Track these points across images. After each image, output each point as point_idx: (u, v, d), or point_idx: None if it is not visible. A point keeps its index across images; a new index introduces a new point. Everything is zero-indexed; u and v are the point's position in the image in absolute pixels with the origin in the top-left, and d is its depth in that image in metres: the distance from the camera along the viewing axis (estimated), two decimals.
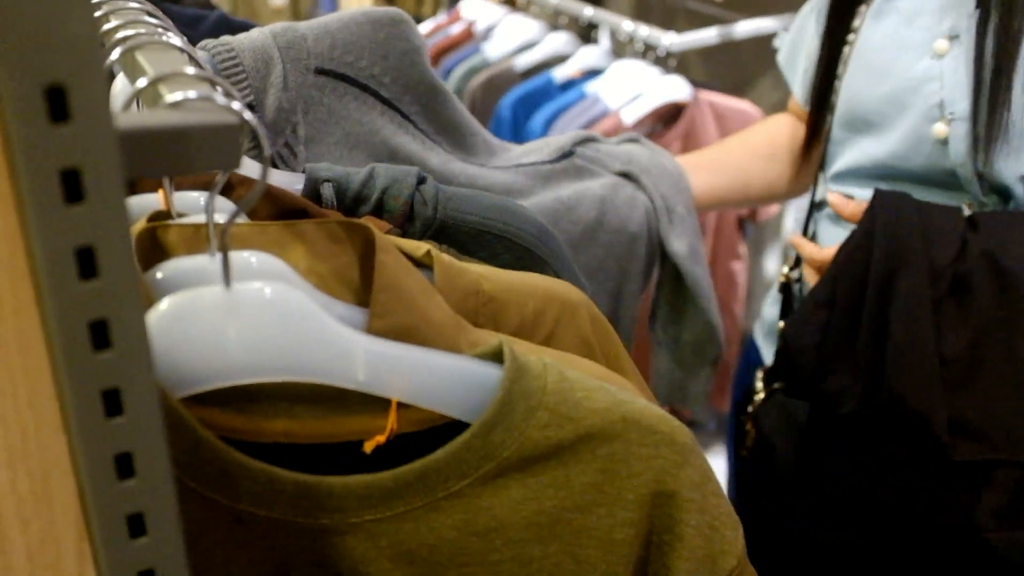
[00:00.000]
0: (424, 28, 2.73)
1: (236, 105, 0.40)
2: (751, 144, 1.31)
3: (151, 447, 0.39)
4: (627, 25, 2.18)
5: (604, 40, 2.30)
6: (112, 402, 0.38)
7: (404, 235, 0.70)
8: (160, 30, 0.51)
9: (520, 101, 2.19)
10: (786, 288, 1.22)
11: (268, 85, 0.79)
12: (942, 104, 1.01)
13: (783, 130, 1.31)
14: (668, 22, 2.73)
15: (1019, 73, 0.95)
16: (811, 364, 1.00)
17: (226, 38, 0.78)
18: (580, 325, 0.67)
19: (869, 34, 1.10)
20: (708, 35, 2.18)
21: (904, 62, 1.05)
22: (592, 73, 2.24)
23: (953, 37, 1.01)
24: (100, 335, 0.37)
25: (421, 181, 0.70)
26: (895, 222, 0.96)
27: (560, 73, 2.26)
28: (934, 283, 0.93)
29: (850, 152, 1.12)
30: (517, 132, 2.17)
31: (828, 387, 0.99)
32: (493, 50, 2.50)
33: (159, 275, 0.49)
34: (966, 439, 0.92)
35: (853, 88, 1.11)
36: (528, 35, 2.48)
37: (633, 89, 2.10)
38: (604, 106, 2.09)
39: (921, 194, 1.04)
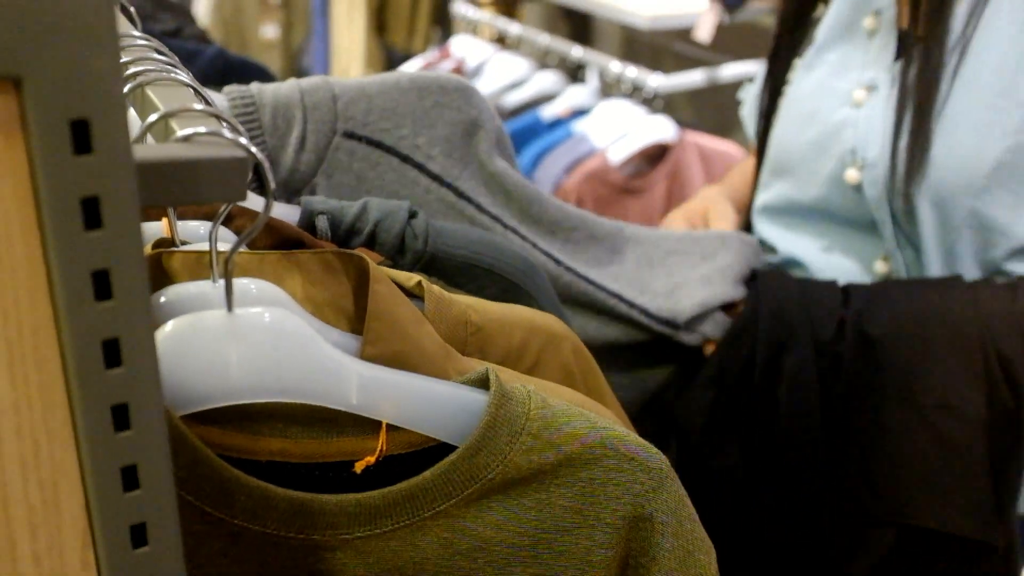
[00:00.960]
0: (414, 64, 2.77)
1: (243, 140, 0.42)
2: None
3: (155, 461, 0.42)
4: (615, 66, 2.22)
5: (592, 80, 2.35)
6: (120, 417, 0.41)
7: (395, 266, 0.72)
8: (168, 67, 0.54)
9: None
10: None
11: (286, 143, 0.77)
12: (854, 150, 1.05)
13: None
14: (655, 63, 2.78)
15: (937, 118, 0.99)
16: (699, 442, 1.00)
17: (255, 87, 0.76)
18: (563, 356, 0.70)
19: (799, 84, 1.15)
20: (694, 77, 2.23)
21: (826, 111, 1.09)
22: (580, 112, 2.28)
23: (871, 88, 1.06)
24: (112, 354, 0.39)
25: (412, 215, 0.73)
26: (778, 302, 0.97)
27: (548, 111, 2.30)
28: (819, 360, 0.95)
29: (775, 195, 1.16)
30: None
31: (716, 464, 0.99)
32: (482, 87, 2.53)
33: (163, 299, 0.51)
34: (846, 501, 0.95)
35: (780, 135, 1.16)
36: (517, 73, 2.52)
37: (620, 129, 2.14)
38: (591, 145, 2.13)
39: (847, 237, 1.08)
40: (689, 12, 2.16)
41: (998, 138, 0.96)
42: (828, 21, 1.15)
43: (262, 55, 4.80)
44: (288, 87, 0.78)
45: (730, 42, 2.43)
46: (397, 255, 0.73)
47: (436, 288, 0.64)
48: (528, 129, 2.25)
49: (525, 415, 0.56)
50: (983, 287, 0.96)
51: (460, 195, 0.82)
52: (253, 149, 0.42)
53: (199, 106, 0.46)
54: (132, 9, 0.74)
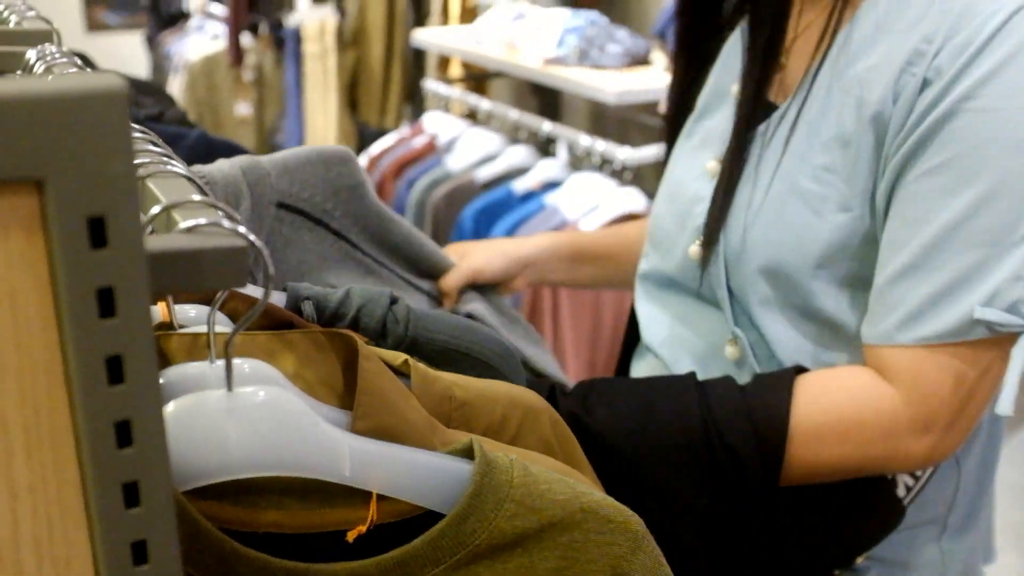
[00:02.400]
0: (388, 140, 2.83)
1: (242, 230, 0.45)
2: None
3: (164, 535, 0.44)
4: (584, 139, 2.28)
5: (562, 153, 2.40)
6: (131, 494, 0.43)
7: None
8: (164, 157, 0.57)
9: (481, 212, 2.27)
10: None
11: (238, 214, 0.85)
12: (698, 228, 1.00)
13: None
14: (623, 135, 2.85)
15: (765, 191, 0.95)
16: None
17: (200, 168, 0.85)
18: (541, 427, 0.73)
19: (675, 155, 1.12)
20: (662, 149, 2.28)
21: (688, 183, 1.06)
22: (551, 185, 2.33)
23: (720, 159, 1.00)
24: (124, 434, 0.42)
25: (393, 302, 0.77)
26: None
27: (520, 185, 2.35)
28: None
29: (648, 265, 1.13)
30: None
31: None
32: (455, 162, 2.59)
33: (163, 380, 0.54)
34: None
35: (655, 206, 1.13)
36: (489, 148, 2.58)
37: (591, 201, 2.19)
38: (563, 217, 2.18)
39: (700, 315, 1.04)
40: (654, 87, 2.23)
41: (826, 215, 0.90)
42: (707, 87, 1.10)
43: (236, 132, 4.86)
44: (228, 165, 0.86)
45: None
46: (379, 339, 0.77)
47: (421, 366, 0.67)
48: (501, 202, 2.30)
49: (508, 483, 0.58)
50: (712, 383, 0.89)
51: (355, 247, 0.98)
52: (252, 238, 0.45)
53: (198, 197, 0.49)
54: None
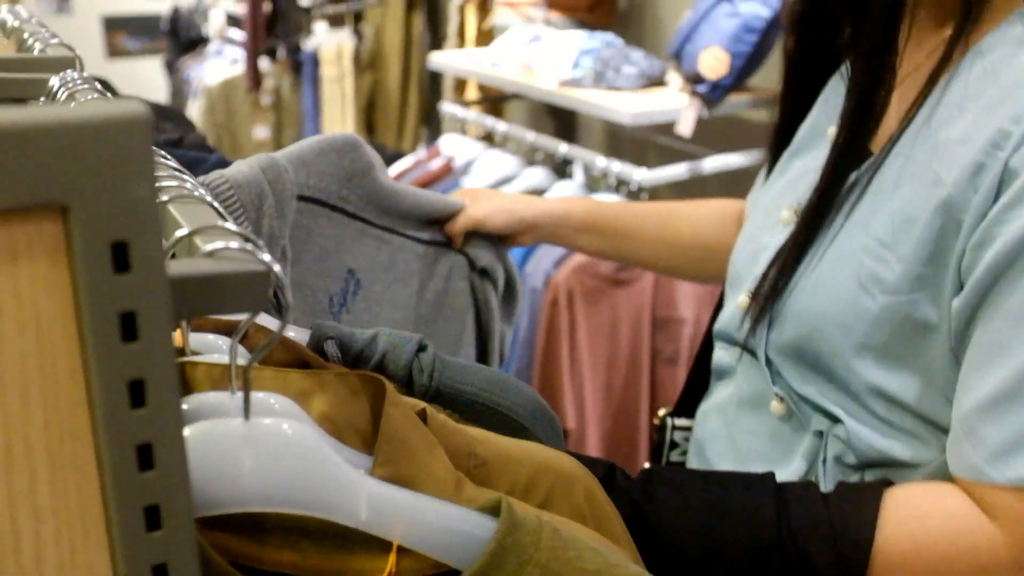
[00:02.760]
0: (405, 163, 2.84)
1: (264, 257, 0.46)
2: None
3: (184, 559, 0.44)
4: (600, 161, 2.28)
5: (579, 175, 2.40)
6: (152, 518, 0.43)
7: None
8: (185, 182, 0.57)
9: None
10: (661, 431, 1.17)
11: (262, 215, 0.88)
12: (755, 277, 0.96)
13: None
14: (639, 156, 2.85)
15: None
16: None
17: (221, 172, 0.87)
18: (574, 497, 0.68)
19: (763, 193, 1.08)
20: (677, 170, 2.28)
21: (765, 227, 1.01)
22: None
23: (797, 209, 0.96)
24: (145, 458, 0.42)
25: (421, 349, 0.75)
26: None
27: None
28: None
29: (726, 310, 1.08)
30: None
31: None
32: (472, 184, 2.59)
33: (184, 406, 0.54)
34: None
35: (736, 245, 1.09)
36: (506, 170, 2.58)
37: None
38: None
39: (748, 367, 1.00)
40: (670, 108, 2.23)
41: (880, 295, 0.84)
42: (805, 124, 1.05)
43: (254, 155, 4.89)
44: (247, 167, 0.88)
45: (712, 134, 2.50)
46: (404, 388, 0.75)
47: (442, 416, 0.65)
48: None
49: (535, 544, 0.55)
50: (792, 487, 0.82)
51: (370, 224, 1.04)
52: (276, 268, 0.45)
53: (220, 223, 0.49)
54: None
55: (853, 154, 0.89)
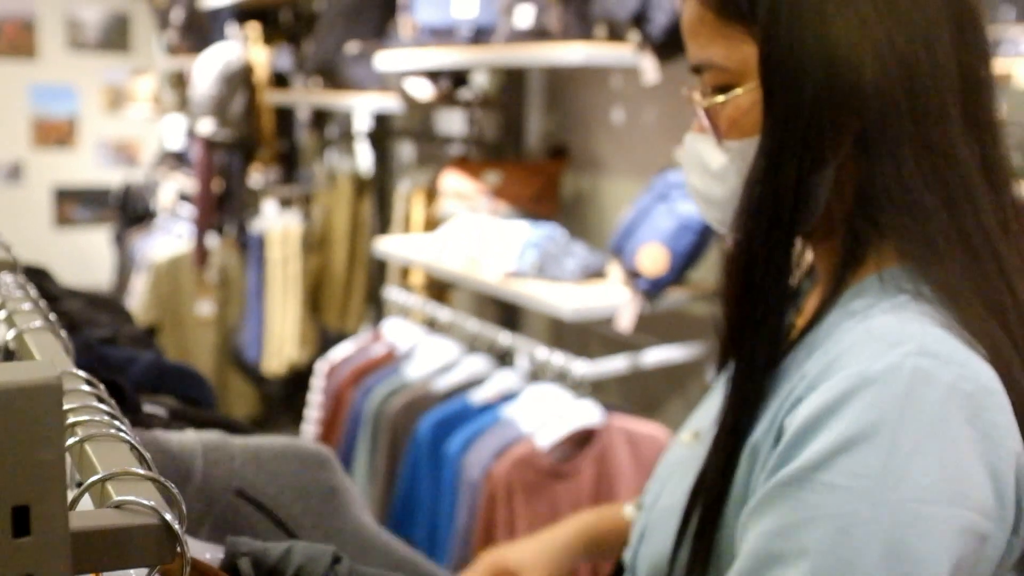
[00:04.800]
0: (347, 348, 2.83)
1: (168, 516, 0.45)
2: None
3: None
4: (542, 352, 2.29)
5: (520, 364, 2.41)
6: None
7: None
8: (108, 417, 0.56)
9: (439, 424, 2.25)
10: None
11: (184, 493, 0.80)
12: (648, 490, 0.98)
13: None
14: (582, 347, 2.88)
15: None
16: None
17: (163, 433, 0.82)
18: None
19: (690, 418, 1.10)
20: (618, 363, 2.31)
21: (672, 452, 1.04)
22: (508, 396, 2.33)
23: (696, 434, 1.00)
24: None
25: (336, 561, 0.74)
26: None
27: (478, 396, 2.35)
28: None
29: None
30: (434, 454, 2.22)
31: None
32: (413, 371, 2.59)
33: None
34: None
35: (655, 473, 1.09)
36: (448, 357, 2.59)
37: (548, 413, 2.19)
38: (519, 430, 2.17)
39: None
40: (610, 304, 2.27)
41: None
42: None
43: (196, 332, 4.86)
44: (193, 440, 0.84)
45: (654, 325, 2.54)
46: None
47: None
48: (459, 414, 2.29)
49: None
50: None
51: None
52: (176, 526, 0.44)
53: (136, 468, 0.48)
54: (66, 336, 0.79)
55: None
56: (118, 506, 0.46)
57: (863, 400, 0.73)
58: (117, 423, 0.56)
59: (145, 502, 0.45)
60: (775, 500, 0.76)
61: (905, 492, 0.70)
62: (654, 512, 0.96)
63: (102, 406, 0.58)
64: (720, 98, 0.86)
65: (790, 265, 0.87)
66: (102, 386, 0.64)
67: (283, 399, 4.50)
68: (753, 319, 0.86)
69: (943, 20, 0.80)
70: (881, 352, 0.74)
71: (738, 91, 0.85)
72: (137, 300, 4.79)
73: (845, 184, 0.83)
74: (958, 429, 0.72)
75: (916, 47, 0.79)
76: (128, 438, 0.53)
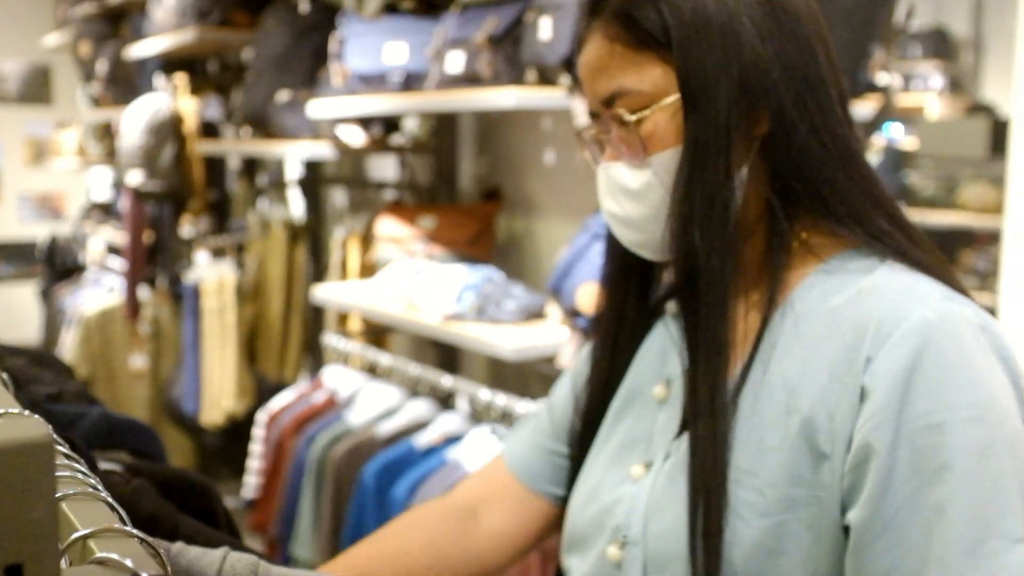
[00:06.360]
0: (287, 396, 2.82)
1: (153, 573, 0.45)
2: None
3: None
4: (484, 393, 2.31)
5: (463, 406, 2.43)
6: None
7: None
8: (81, 475, 0.57)
9: (384, 469, 2.25)
10: None
11: None
12: (618, 528, 1.00)
13: None
14: (523, 387, 2.90)
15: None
16: None
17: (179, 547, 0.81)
18: None
19: (592, 459, 1.11)
20: None
21: (608, 486, 1.05)
22: (453, 439, 2.34)
23: (648, 464, 1.01)
24: None
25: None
26: None
27: (422, 440, 2.35)
28: None
29: (567, 565, 1.10)
30: (381, 499, 2.22)
31: None
32: (356, 417, 2.59)
33: None
34: None
35: (570, 510, 1.11)
36: (390, 402, 2.59)
37: (491, 456, 2.20)
38: (465, 472, 2.17)
39: None
40: (551, 342, 2.29)
41: (754, 519, 0.90)
42: (622, 390, 1.10)
43: (130, 385, 4.79)
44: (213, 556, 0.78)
45: None
46: None
47: None
48: (403, 458, 2.30)
49: None
50: None
51: None
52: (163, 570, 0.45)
53: (118, 525, 0.49)
54: (5, 376, 0.80)
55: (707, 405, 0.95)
56: (101, 562, 0.47)
57: (936, 345, 0.84)
58: (92, 480, 0.56)
59: (128, 563, 0.46)
60: (894, 466, 0.83)
61: (1001, 413, 0.84)
62: (648, 542, 0.97)
63: (76, 464, 0.59)
64: (646, 112, 0.95)
65: (734, 249, 0.95)
66: (67, 445, 0.64)
67: (221, 450, 4.44)
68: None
69: (816, 40, 0.96)
70: (918, 303, 0.87)
71: (656, 107, 0.95)
72: (68, 355, 4.70)
73: (758, 182, 0.96)
74: (990, 356, 0.86)
75: (804, 57, 0.94)
76: (104, 496, 0.54)
